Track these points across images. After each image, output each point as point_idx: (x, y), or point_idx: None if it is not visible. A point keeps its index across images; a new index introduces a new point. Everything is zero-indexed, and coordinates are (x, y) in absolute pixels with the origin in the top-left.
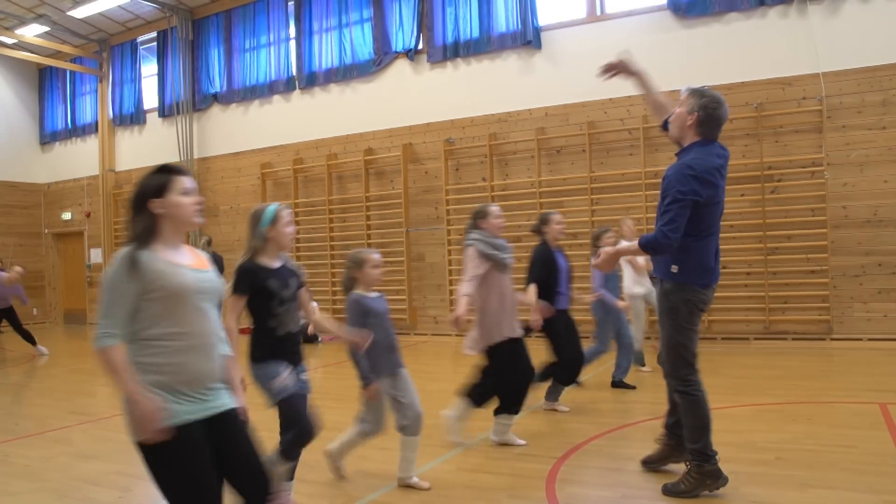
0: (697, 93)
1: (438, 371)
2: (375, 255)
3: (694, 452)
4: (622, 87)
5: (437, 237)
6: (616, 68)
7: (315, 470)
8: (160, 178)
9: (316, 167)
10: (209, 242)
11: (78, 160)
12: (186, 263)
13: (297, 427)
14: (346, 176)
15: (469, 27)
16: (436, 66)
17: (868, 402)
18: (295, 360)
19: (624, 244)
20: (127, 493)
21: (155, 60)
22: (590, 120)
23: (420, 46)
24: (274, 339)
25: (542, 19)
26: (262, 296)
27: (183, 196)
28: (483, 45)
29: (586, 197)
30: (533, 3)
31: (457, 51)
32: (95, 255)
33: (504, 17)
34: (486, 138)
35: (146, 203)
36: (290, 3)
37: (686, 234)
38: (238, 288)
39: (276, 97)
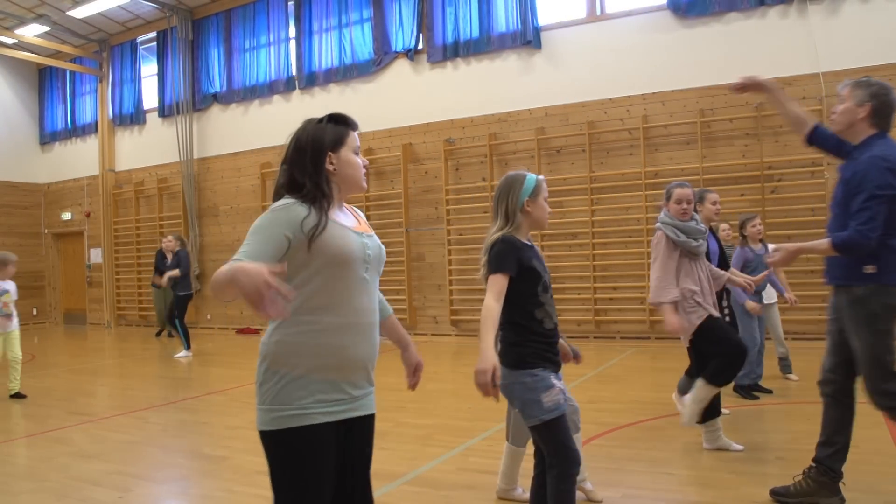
0: (863, 83)
1: (438, 371)
2: None
3: None
4: (622, 87)
5: (437, 237)
6: (748, 85)
7: None
8: (338, 131)
9: None
10: (181, 242)
11: (78, 160)
12: (351, 226)
13: (565, 459)
14: None
15: (469, 27)
16: (436, 66)
17: (868, 401)
18: (559, 365)
19: (810, 243)
20: (127, 493)
21: (155, 60)
22: (589, 120)
23: (420, 46)
24: (541, 337)
25: (542, 19)
26: (528, 279)
27: (356, 155)
28: (483, 45)
29: (586, 197)
30: (533, 3)
31: (457, 51)
32: (95, 255)
33: (504, 17)
34: (485, 138)
35: (323, 156)
36: (289, 3)
37: (883, 232)
38: (502, 265)
39: (276, 97)
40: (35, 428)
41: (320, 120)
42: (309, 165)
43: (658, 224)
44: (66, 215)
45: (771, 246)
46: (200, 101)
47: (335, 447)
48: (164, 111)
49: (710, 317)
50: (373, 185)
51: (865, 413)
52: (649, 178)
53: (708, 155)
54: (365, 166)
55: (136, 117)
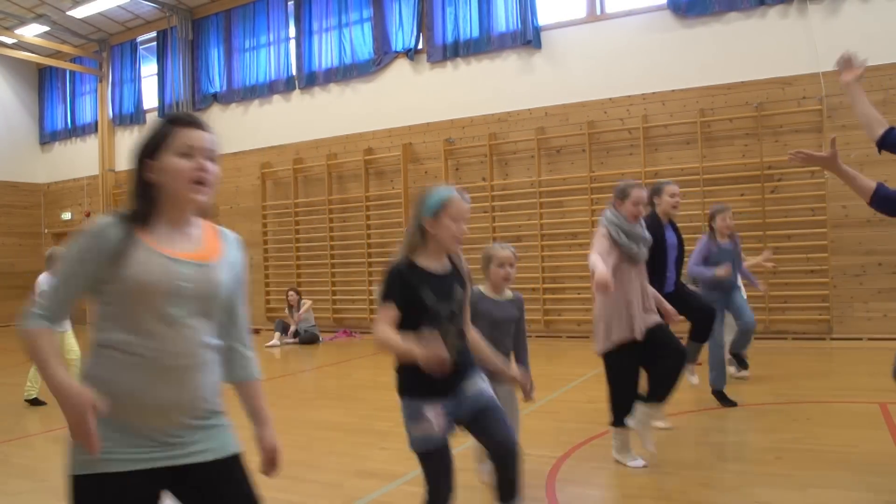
0: None
1: None
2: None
3: None
4: (622, 87)
5: None
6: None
7: (315, 470)
8: (160, 132)
9: (316, 167)
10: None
11: (78, 160)
12: (174, 251)
13: (430, 495)
14: (345, 176)
15: (469, 27)
16: (436, 65)
17: (868, 401)
18: (443, 393)
19: (854, 173)
20: None
21: (155, 60)
22: (589, 120)
23: (420, 46)
24: (418, 366)
25: (542, 19)
26: (412, 309)
27: (183, 158)
28: (483, 44)
29: (586, 197)
30: (533, 2)
31: (457, 50)
32: None
33: (504, 17)
34: (485, 138)
35: (139, 165)
36: (289, 3)
37: None
38: (385, 294)
39: (276, 97)
40: (35, 428)
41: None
42: (132, 176)
43: (602, 220)
44: (67, 215)
45: (763, 254)
46: (200, 100)
47: (147, 500)
48: (164, 111)
49: (634, 340)
50: (372, 185)
51: (865, 413)
52: (649, 177)
53: (708, 155)
54: (199, 170)
55: (135, 117)
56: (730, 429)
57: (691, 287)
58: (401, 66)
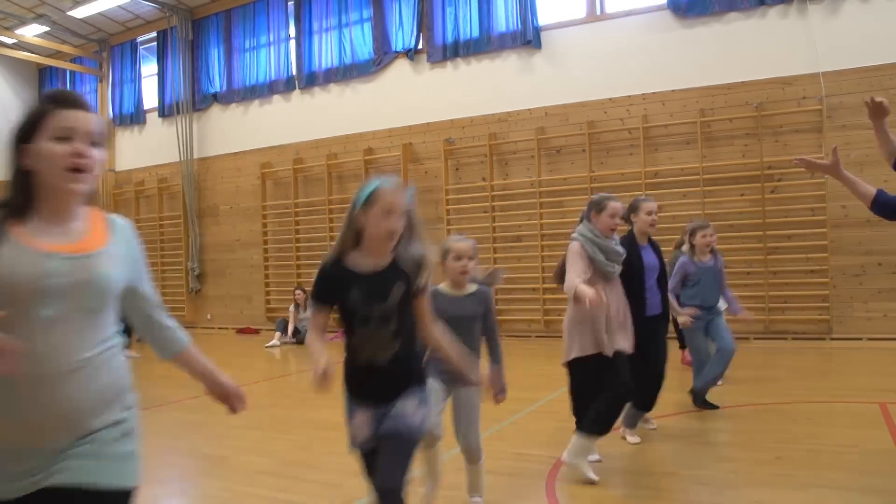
0: None
1: None
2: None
3: None
4: (622, 87)
5: (436, 237)
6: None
7: (315, 470)
8: (35, 112)
9: (316, 167)
10: None
11: None
12: (48, 245)
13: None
14: (345, 176)
15: (469, 27)
16: (436, 65)
17: (868, 401)
18: (374, 399)
19: (856, 180)
20: None
21: (155, 60)
22: (589, 120)
23: (420, 46)
24: (352, 367)
25: (542, 19)
26: (343, 309)
27: (57, 142)
28: (483, 44)
29: (586, 197)
30: (533, 2)
31: (457, 50)
32: None
33: (504, 17)
34: (485, 138)
35: (13, 151)
36: (289, 3)
37: None
38: (314, 294)
39: (276, 97)
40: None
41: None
42: (8, 163)
43: (576, 235)
44: None
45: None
46: (200, 100)
47: None
48: (164, 111)
49: (601, 355)
50: None
51: (865, 413)
52: (649, 177)
53: (708, 155)
54: (76, 155)
55: (136, 117)
56: (729, 429)
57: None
58: (401, 66)
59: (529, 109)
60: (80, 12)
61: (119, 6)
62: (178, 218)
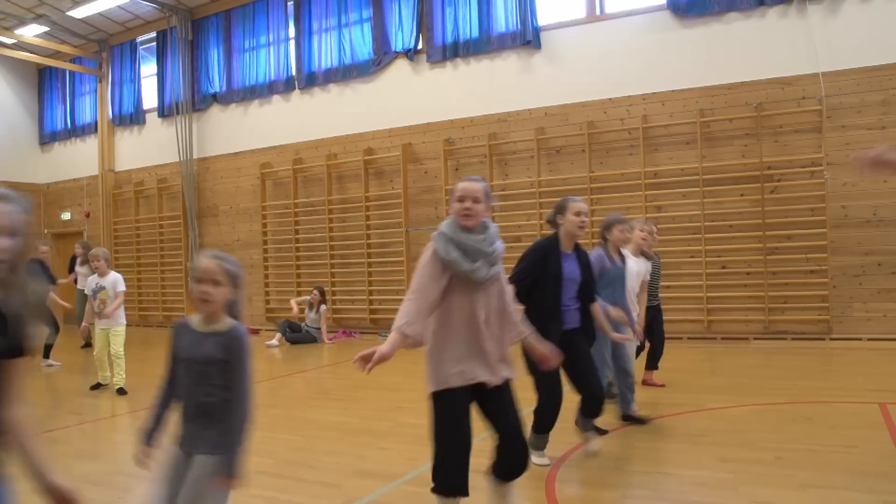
0: None
1: None
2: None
3: None
4: (621, 87)
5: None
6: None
7: (315, 470)
8: None
9: (315, 167)
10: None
11: (77, 160)
12: None
13: None
14: (345, 176)
15: (468, 27)
16: (435, 66)
17: (867, 401)
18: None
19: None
20: (127, 493)
21: (154, 60)
22: (589, 120)
23: (419, 46)
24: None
25: (542, 19)
26: None
27: None
28: (482, 45)
29: (586, 197)
30: (532, 2)
31: (456, 51)
32: None
33: (503, 17)
34: (485, 138)
35: None
36: (289, 3)
37: None
38: None
39: (276, 97)
40: (33, 428)
41: None
42: None
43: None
44: (66, 215)
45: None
46: (200, 101)
47: None
48: (164, 111)
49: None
50: (372, 185)
51: (865, 413)
52: (649, 178)
53: (708, 155)
54: None
55: (135, 117)
56: (729, 429)
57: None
58: (400, 67)
59: (529, 109)
60: (79, 12)
61: (119, 6)
62: (177, 218)
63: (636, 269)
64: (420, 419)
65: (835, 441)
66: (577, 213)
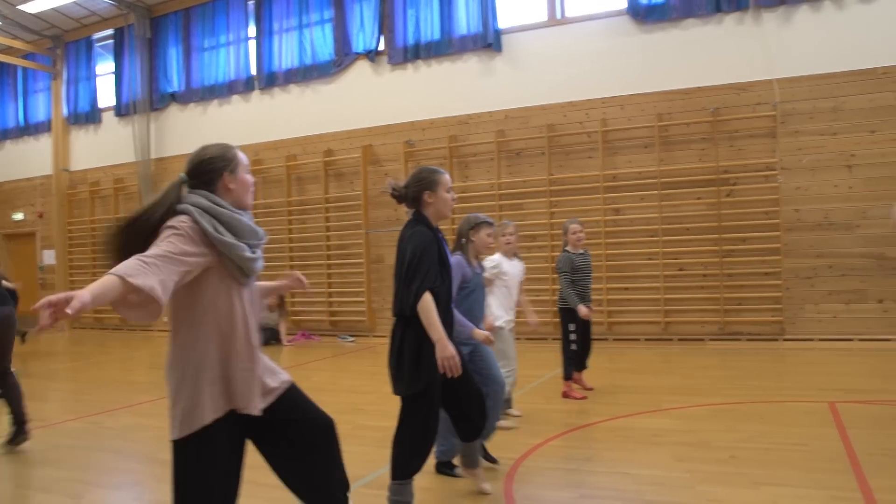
0: None
1: None
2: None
3: None
4: (581, 91)
5: (396, 239)
6: None
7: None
8: None
9: (275, 168)
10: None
11: (30, 159)
12: None
13: None
14: (305, 177)
15: (430, 29)
16: (396, 67)
17: (818, 400)
18: None
19: None
20: (79, 499)
21: (111, 58)
22: (549, 123)
23: (381, 48)
24: None
25: (503, 22)
26: None
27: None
28: (444, 47)
29: (545, 199)
30: (493, 5)
31: (417, 52)
32: (48, 257)
33: (465, 20)
34: (446, 140)
35: None
36: (249, 3)
37: None
38: None
39: (236, 97)
40: None
41: None
42: None
43: (185, 206)
44: (18, 216)
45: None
46: (158, 100)
47: None
48: (121, 110)
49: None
50: (332, 187)
51: (816, 411)
52: (608, 180)
53: (666, 158)
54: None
55: (91, 116)
56: (683, 428)
57: None
58: (361, 68)
59: (490, 112)
60: (32, 7)
61: (74, 2)
62: None
63: (515, 272)
64: (379, 421)
65: (787, 440)
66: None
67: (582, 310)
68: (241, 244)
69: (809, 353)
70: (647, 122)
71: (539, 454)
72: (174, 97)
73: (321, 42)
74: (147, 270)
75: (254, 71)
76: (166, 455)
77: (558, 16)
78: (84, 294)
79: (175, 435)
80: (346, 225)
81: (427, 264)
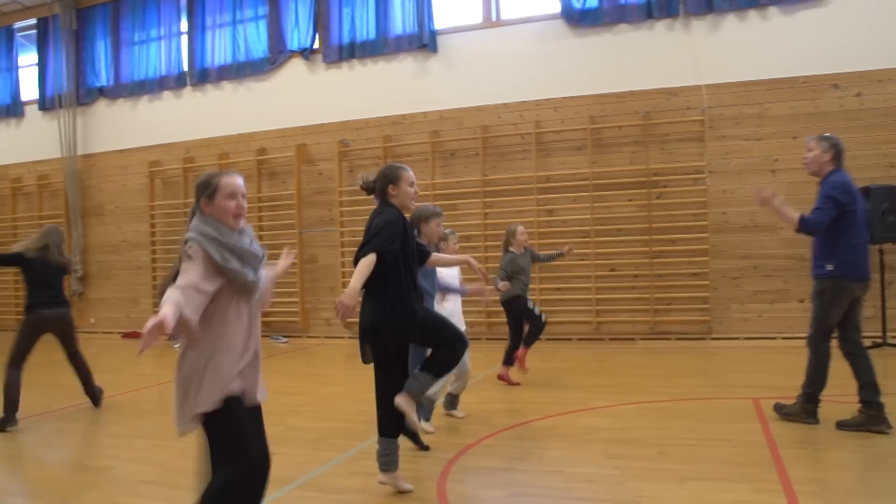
0: (825, 137)
1: (331, 374)
2: None
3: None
4: (516, 93)
5: (330, 239)
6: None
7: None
8: None
9: (206, 166)
10: None
11: None
12: None
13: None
14: None
15: (365, 28)
16: (331, 66)
17: (743, 397)
18: None
19: (788, 209)
20: None
21: (35, 49)
22: (484, 124)
23: (315, 46)
24: None
25: (439, 23)
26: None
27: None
28: (379, 46)
29: (479, 200)
30: (429, 6)
31: (352, 51)
32: None
33: (401, 20)
34: (380, 140)
35: None
36: None
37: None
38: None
39: (166, 93)
40: None
41: None
42: None
43: (191, 235)
44: None
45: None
46: (85, 94)
47: None
48: (46, 104)
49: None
50: (265, 186)
51: (740, 408)
52: (541, 182)
53: (598, 161)
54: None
55: (12, 109)
56: (614, 426)
57: None
58: (296, 66)
59: (424, 112)
60: None
61: None
62: (59, 217)
63: (453, 275)
64: (312, 423)
65: (713, 435)
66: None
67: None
68: (245, 270)
69: (735, 351)
70: (580, 125)
71: (472, 454)
72: (102, 92)
73: (255, 39)
74: (187, 303)
75: (186, 67)
76: (94, 461)
77: (494, 18)
78: (168, 316)
79: (207, 408)
80: (279, 224)
81: (386, 234)
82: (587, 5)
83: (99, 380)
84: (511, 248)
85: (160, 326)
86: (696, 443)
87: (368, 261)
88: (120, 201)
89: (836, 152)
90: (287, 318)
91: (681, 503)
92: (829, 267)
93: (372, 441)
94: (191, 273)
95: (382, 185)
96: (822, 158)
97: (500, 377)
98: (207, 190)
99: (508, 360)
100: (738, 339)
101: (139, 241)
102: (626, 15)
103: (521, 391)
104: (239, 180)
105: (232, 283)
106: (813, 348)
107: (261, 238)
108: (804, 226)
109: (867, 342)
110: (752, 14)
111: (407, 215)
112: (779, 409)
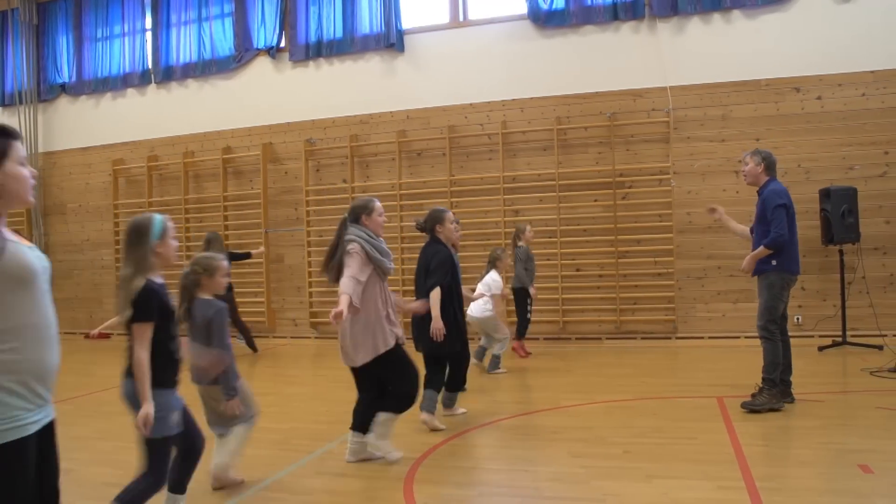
0: (759, 152)
1: (297, 374)
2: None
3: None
4: (482, 93)
5: (296, 238)
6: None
7: None
8: (1, 143)
9: (171, 165)
10: None
11: None
12: (17, 241)
13: (160, 475)
14: (203, 175)
15: (332, 27)
16: (298, 64)
17: (707, 396)
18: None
19: (756, 251)
20: None
21: None
22: (450, 124)
23: (282, 44)
24: (174, 364)
25: (406, 22)
26: (166, 317)
27: (21, 167)
28: (346, 45)
29: (446, 200)
30: (397, 5)
31: (319, 50)
32: None
33: (368, 19)
34: (347, 139)
35: None
36: None
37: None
38: (147, 313)
39: (130, 90)
40: None
41: None
42: None
43: (351, 236)
44: None
45: None
46: (46, 90)
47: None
48: (5, 99)
49: (396, 344)
50: (231, 185)
51: (705, 406)
52: (507, 182)
53: (564, 161)
54: (32, 177)
55: None
56: (580, 425)
57: None
58: (262, 64)
59: (391, 112)
60: None
61: None
62: (20, 216)
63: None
64: (279, 423)
65: (678, 434)
66: (452, 222)
67: None
68: (385, 259)
69: (700, 350)
70: (546, 126)
71: (440, 453)
72: (64, 88)
73: (220, 36)
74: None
75: (150, 64)
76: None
77: (461, 18)
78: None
79: (381, 350)
80: (245, 224)
81: (442, 271)
82: (554, 6)
83: (60, 381)
84: (520, 244)
85: (338, 315)
86: (662, 441)
87: (437, 293)
88: (83, 200)
89: (769, 164)
90: (253, 318)
91: (646, 501)
92: (774, 262)
93: (338, 442)
94: (353, 266)
95: (431, 224)
96: (756, 170)
97: (514, 349)
98: (367, 209)
99: (521, 334)
100: (702, 338)
101: (102, 241)
102: (593, 16)
103: (489, 391)
104: (378, 205)
105: (377, 269)
106: (766, 336)
107: (226, 238)
108: (775, 245)
109: (828, 340)
110: (717, 17)
111: (453, 248)
112: (746, 405)
